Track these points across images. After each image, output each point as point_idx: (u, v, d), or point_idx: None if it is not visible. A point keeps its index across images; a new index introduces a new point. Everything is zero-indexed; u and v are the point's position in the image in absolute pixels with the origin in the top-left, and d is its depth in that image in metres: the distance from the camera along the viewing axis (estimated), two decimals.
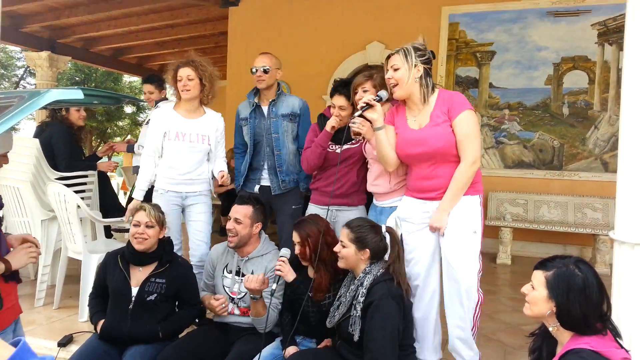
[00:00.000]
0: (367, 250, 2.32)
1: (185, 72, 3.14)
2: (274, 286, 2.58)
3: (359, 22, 6.59)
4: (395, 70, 2.52)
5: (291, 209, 3.42)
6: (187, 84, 3.14)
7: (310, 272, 2.64)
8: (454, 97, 2.54)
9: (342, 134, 2.98)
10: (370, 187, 2.97)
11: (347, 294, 2.35)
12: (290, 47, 6.62)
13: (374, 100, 2.58)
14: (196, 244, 3.24)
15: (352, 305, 2.27)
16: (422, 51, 2.52)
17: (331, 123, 2.98)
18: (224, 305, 2.72)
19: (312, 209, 3.18)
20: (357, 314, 2.22)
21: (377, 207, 2.96)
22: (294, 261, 2.68)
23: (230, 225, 2.76)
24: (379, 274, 2.29)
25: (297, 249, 2.61)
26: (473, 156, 2.45)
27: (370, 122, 2.65)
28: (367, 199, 3.14)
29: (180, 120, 3.21)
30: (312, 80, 6.43)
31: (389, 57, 2.57)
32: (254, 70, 3.36)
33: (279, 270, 2.58)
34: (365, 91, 2.86)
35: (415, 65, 2.48)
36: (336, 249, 2.41)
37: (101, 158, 4.46)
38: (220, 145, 3.33)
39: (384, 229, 2.40)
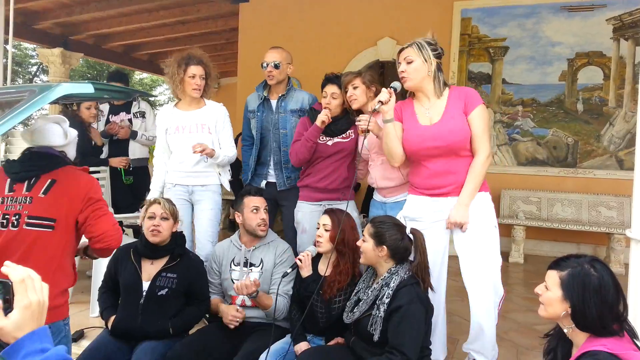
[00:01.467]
0: (384, 247, 2.28)
1: (199, 71, 3.14)
2: (289, 270, 2.63)
3: (370, 17, 6.54)
4: (409, 63, 2.51)
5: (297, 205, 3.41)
6: (200, 83, 3.14)
7: (322, 268, 2.63)
8: (468, 92, 2.57)
9: (332, 126, 3.04)
10: (381, 183, 2.94)
11: (369, 291, 2.31)
12: (300, 43, 6.60)
13: (391, 89, 2.55)
14: (202, 242, 3.23)
15: (375, 305, 2.23)
16: (434, 46, 2.53)
17: (321, 118, 2.98)
18: (238, 319, 2.69)
19: (303, 206, 3.18)
20: (380, 315, 2.18)
21: (385, 203, 2.94)
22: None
23: (262, 216, 2.84)
24: (406, 276, 2.24)
25: (325, 235, 2.60)
26: (488, 150, 2.51)
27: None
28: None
29: (180, 114, 3.22)
30: (322, 77, 6.39)
31: (401, 50, 2.56)
32: (264, 65, 3.32)
33: (299, 260, 2.60)
34: (355, 87, 2.93)
35: (429, 59, 2.49)
36: (358, 243, 2.41)
37: (102, 152, 4.43)
38: (223, 134, 3.27)
39: (408, 230, 2.35)
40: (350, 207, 3.05)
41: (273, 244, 2.90)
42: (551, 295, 1.66)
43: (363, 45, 6.61)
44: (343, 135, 3.10)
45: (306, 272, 2.60)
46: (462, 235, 2.51)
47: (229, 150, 3.26)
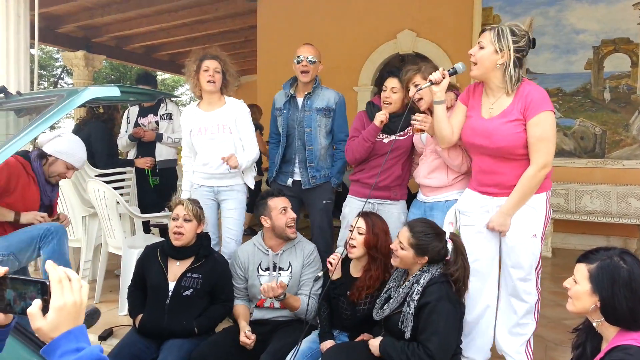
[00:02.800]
0: (427, 257, 2.24)
1: (212, 64, 3.15)
2: (320, 274, 2.61)
3: (389, 9, 6.48)
4: (481, 48, 2.32)
5: (322, 204, 3.40)
6: (213, 75, 3.15)
7: (354, 271, 2.61)
8: (535, 93, 2.32)
9: (390, 124, 2.91)
10: (423, 180, 2.83)
11: (400, 289, 2.29)
12: (319, 38, 6.57)
13: (448, 71, 2.44)
14: (226, 241, 3.25)
15: (405, 302, 2.21)
16: (518, 37, 2.30)
17: (380, 118, 2.88)
18: (248, 345, 2.62)
19: (352, 201, 3.10)
20: (411, 312, 2.16)
21: (425, 202, 2.84)
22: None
23: (290, 216, 2.82)
24: (437, 273, 2.22)
25: (359, 238, 2.54)
26: (545, 160, 2.31)
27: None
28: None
29: (202, 115, 3.24)
30: (342, 72, 6.38)
31: (482, 32, 2.39)
32: (300, 59, 3.26)
33: (329, 263, 2.56)
34: (416, 85, 2.74)
35: (502, 50, 2.28)
36: (393, 246, 2.34)
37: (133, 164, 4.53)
38: (245, 132, 3.24)
39: (447, 236, 2.28)
40: (399, 209, 3.02)
41: (299, 245, 2.87)
42: (580, 289, 1.63)
43: (382, 39, 6.56)
44: (401, 132, 2.94)
45: (336, 274, 2.56)
46: (503, 241, 2.47)
47: (251, 151, 3.25)
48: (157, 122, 4.51)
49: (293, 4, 7.02)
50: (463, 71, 2.48)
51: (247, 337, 2.58)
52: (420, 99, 2.73)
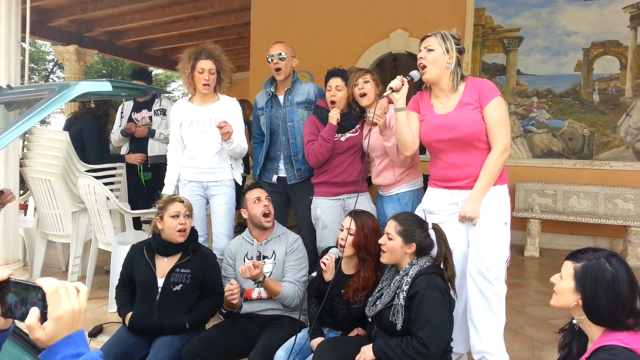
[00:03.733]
0: (414, 244, 2.29)
1: (207, 65, 3.15)
2: (314, 274, 2.62)
3: (382, 9, 6.50)
4: (430, 51, 2.48)
5: (309, 200, 3.41)
6: (208, 78, 3.15)
7: (346, 268, 2.62)
8: (484, 84, 2.53)
9: (343, 122, 3.11)
10: (375, 180, 3.13)
11: (392, 284, 2.33)
12: (312, 36, 6.59)
13: (407, 78, 2.53)
14: (217, 236, 3.27)
15: (396, 295, 2.25)
16: (457, 39, 2.52)
17: (335, 116, 3.05)
18: (233, 292, 2.64)
19: (321, 202, 3.21)
20: (401, 303, 2.20)
21: (382, 196, 3.14)
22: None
23: (265, 205, 2.89)
24: (425, 265, 2.27)
25: (349, 239, 2.56)
26: (504, 143, 2.46)
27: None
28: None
29: (194, 109, 3.25)
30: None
31: (424, 38, 2.54)
32: (269, 58, 3.34)
33: (323, 264, 2.57)
34: (366, 82, 2.99)
35: (450, 52, 2.46)
36: (381, 241, 2.39)
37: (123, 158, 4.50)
38: (236, 127, 3.22)
39: (430, 226, 2.36)
40: (365, 199, 3.15)
41: (283, 236, 2.94)
42: (564, 285, 1.67)
43: (375, 38, 6.58)
44: (353, 130, 3.17)
45: (329, 275, 2.57)
46: (473, 229, 2.51)
47: (241, 142, 3.27)
48: (150, 118, 4.50)
49: (287, 1, 7.01)
50: (418, 78, 2.59)
51: (231, 284, 2.65)
52: (364, 94, 2.99)
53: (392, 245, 2.32)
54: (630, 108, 5.61)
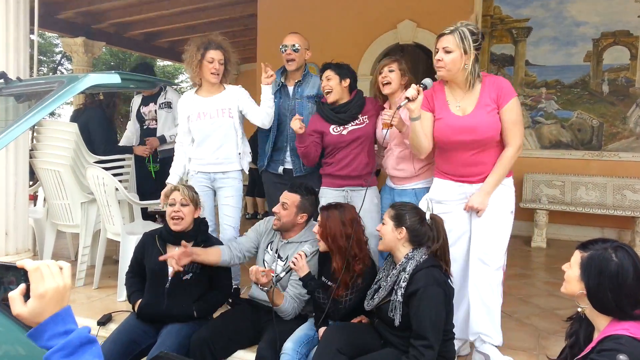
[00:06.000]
0: (404, 228, 2.30)
1: (217, 55, 3.15)
2: (282, 274, 2.59)
3: (389, 0, 6.46)
4: (448, 52, 2.43)
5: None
6: (218, 68, 3.16)
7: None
8: (502, 83, 2.52)
9: (343, 114, 3.06)
10: (392, 172, 3.01)
11: (388, 278, 2.33)
12: (319, 27, 6.56)
13: (421, 87, 2.48)
14: (224, 228, 3.27)
15: (393, 290, 2.26)
16: (476, 35, 2.43)
17: (296, 126, 2.97)
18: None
19: (326, 192, 3.18)
20: (398, 299, 2.21)
21: (394, 189, 3.02)
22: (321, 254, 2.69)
23: (277, 209, 2.80)
24: (422, 259, 2.26)
25: (317, 230, 2.60)
26: (520, 141, 2.52)
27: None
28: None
29: (201, 100, 3.25)
30: (341, 61, 6.36)
31: (440, 36, 2.48)
32: (283, 48, 3.33)
33: (293, 263, 2.57)
34: (391, 70, 2.94)
35: (468, 52, 2.41)
36: (378, 227, 2.42)
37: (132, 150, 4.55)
38: (251, 107, 3.24)
39: (428, 215, 2.37)
40: (371, 193, 3.09)
41: (303, 244, 2.80)
42: (571, 273, 1.70)
43: (383, 29, 6.55)
44: (357, 121, 3.09)
45: (301, 272, 2.56)
46: (476, 220, 2.56)
47: (264, 109, 3.22)
48: (155, 112, 4.53)
49: None
50: (430, 86, 2.58)
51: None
52: (388, 83, 2.93)
53: (384, 230, 2.36)
54: None
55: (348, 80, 3.10)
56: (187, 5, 7.76)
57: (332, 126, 3.11)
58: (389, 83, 2.94)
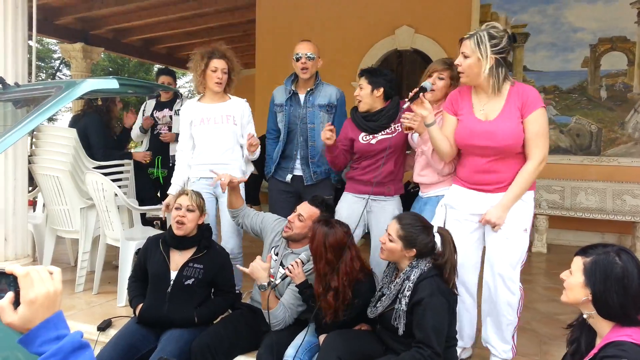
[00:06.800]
0: (414, 250, 2.27)
1: (221, 65, 3.16)
2: (278, 281, 2.58)
3: (388, 5, 6.48)
4: (466, 57, 2.38)
5: None
6: (221, 77, 3.16)
7: None
8: (528, 92, 2.41)
9: (373, 123, 2.93)
10: (416, 178, 2.90)
11: (392, 286, 2.31)
12: (317, 33, 6.57)
13: (420, 90, 2.47)
14: (227, 235, 3.26)
15: (397, 299, 2.24)
16: (497, 39, 2.34)
17: (325, 135, 2.87)
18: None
19: (349, 197, 3.09)
20: (402, 308, 2.19)
21: (421, 197, 2.91)
22: None
23: (292, 218, 2.75)
24: (426, 268, 2.24)
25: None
26: (543, 155, 2.40)
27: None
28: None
29: (205, 107, 3.25)
30: (340, 67, 6.36)
31: (462, 40, 2.43)
32: (298, 56, 3.25)
33: (288, 270, 2.55)
34: (441, 78, 2.80)
35: (485, 56, 2.33)
36: (382, 239, 2.36)
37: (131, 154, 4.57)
38: (248, 127, 3.29)
39: (435, 229, 2.33)
40: (393, 205, 2.99)
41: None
42: (573, 280, 1.67)
43: (381, 35, 6.56)
44: (388, 130, 2.93)
45: (297, 279, 2.54)
46: (492, 234, 2.49)
47: (250, 151, 3.30)
48: (170, 117, 4.56)
49: None
50: (430, 89, 2.57)
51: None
52: (432, 90, 2.75)
53: (392, 247, 2.30)
54: (638, 104, 5.58)
55: (382, 90, 2.91)
56: (185, 12, 7.79)
57: (362, 134, 2.97)
58: (433, 90, 2.77)
